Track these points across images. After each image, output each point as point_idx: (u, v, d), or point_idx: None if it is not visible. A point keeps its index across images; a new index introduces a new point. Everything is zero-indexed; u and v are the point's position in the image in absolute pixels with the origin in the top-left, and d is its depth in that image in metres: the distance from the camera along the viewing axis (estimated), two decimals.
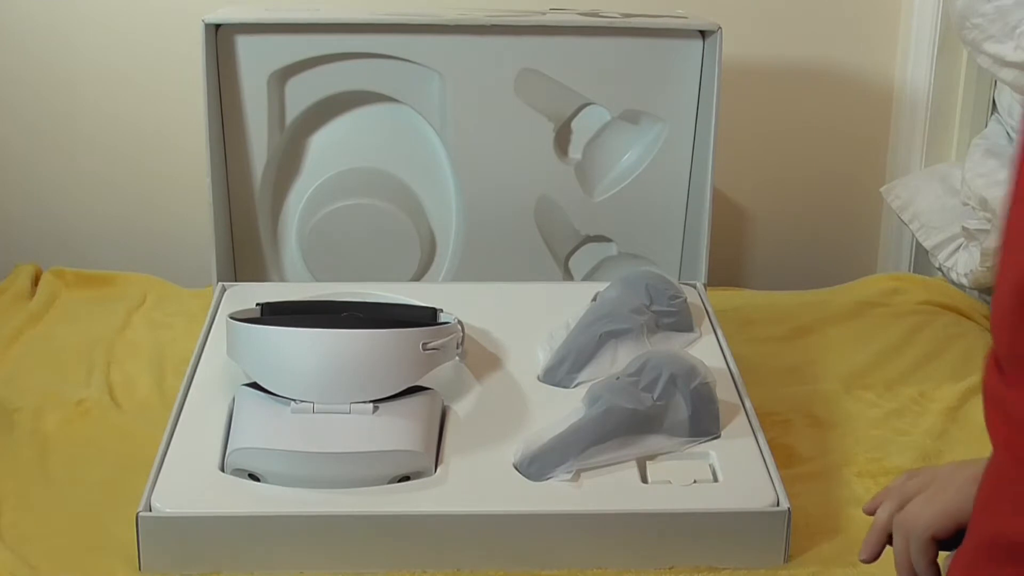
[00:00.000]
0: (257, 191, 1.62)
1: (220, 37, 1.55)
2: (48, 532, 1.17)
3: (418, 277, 1.67)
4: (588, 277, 1.70)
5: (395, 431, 1.16)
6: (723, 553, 1.12)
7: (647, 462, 1.18)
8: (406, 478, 1.14)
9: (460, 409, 1.26)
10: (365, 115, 1.63)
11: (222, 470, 1.15)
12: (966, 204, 1.67)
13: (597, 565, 1.12)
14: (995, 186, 1.60)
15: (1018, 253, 0.70)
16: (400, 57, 1.58)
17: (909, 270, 1.91)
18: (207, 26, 1.51)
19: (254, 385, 1.22)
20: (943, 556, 0.90)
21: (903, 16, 1.87)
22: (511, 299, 1.48)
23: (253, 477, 1.14)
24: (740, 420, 1.25)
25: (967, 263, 1.66)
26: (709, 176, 1.58)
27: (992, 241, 1.59)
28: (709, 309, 1.47)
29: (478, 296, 1.47)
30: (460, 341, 1.30)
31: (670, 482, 1.15)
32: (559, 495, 1.13)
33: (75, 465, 1.28)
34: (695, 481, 1.15)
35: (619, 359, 1.31)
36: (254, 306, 1.38)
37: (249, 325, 1.24)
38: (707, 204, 1.59)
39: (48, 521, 1.18)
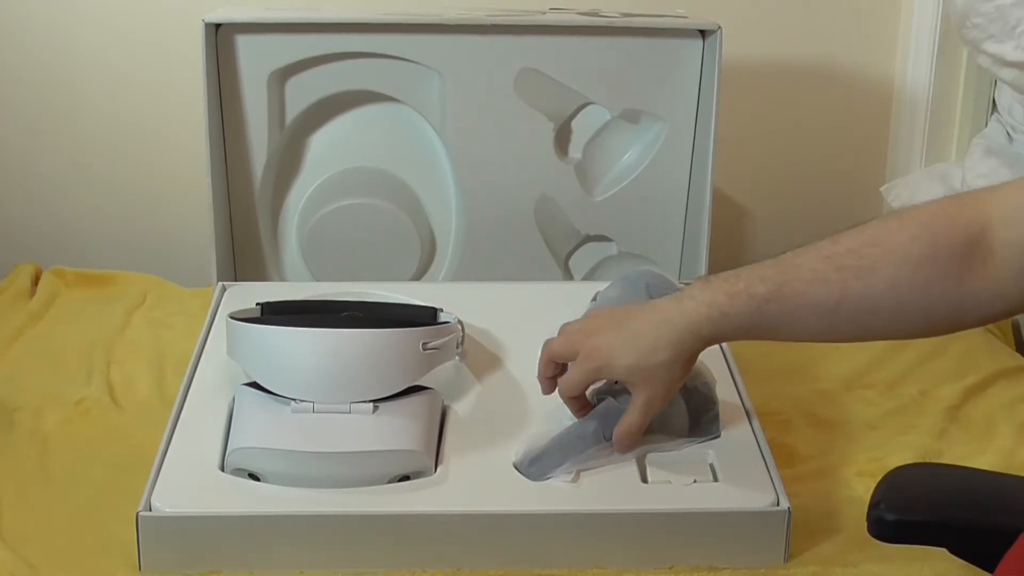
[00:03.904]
0: (257, 191, 1.62)
1: (220, 37, 1.55)
2: (48, 532, 1.16)
3: (418, 277, 1.67)
4: (588, 277, 1.70)
5: (395, 431, 1.16)
6: (723, 553, 1.12)
7: (647, 462, 1.18)
8: (406, 478, 1.14)
9: (460, 409, 1.26)
10: (365, 115, 1.63)
11: (222, 470, 1.15)
12: None
13: (597, 565, 1.11)
14: None
15: None
16: (400, 57, 1.58)
17: None
18: (207, 26, 1.51)
19: (254, 385, 1.22)
20: None
21: (903, 16, 1.87)
22: (511, 299, 1.48)
23: (253, 477, 1.13)
24: (740, 420, 1.25)
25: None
26: (709, 176, 1.58)
27: None
28: None
29: (478, 296, 1.47)
30: (460, 341, 1.30)
31: (670, 482, 1.15)
32: (559, 495, 1.13)
33: (75, 465, 1.28)
34: (695, 481, 1.15)
35: None
36: (254, 306, 1.38)
37: (249, 325, 1.24)
38: (707, 204, 1.59)
39: (48, 521, 1.18)
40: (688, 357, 1.08)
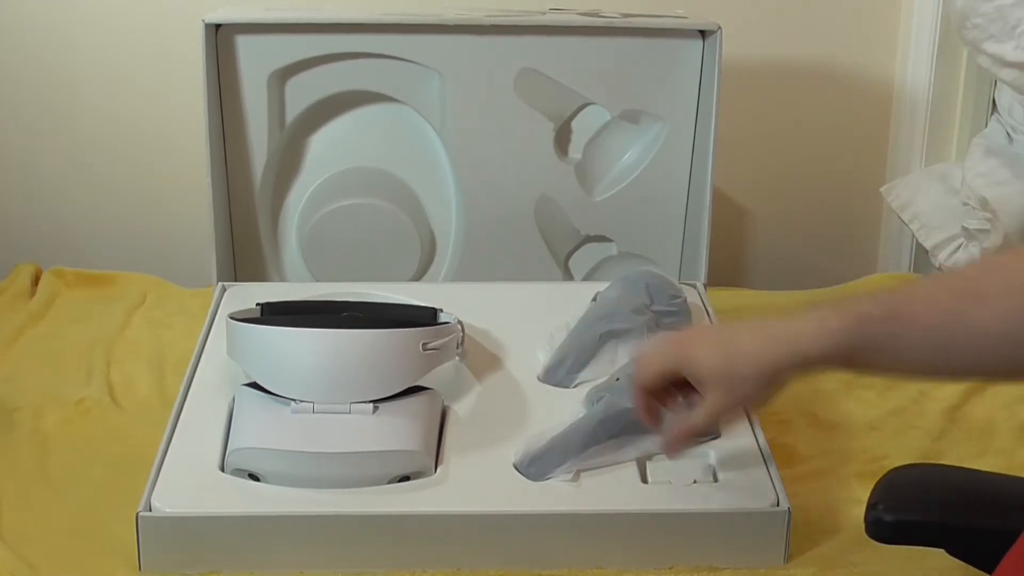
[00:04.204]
0: (257, 191, 1.62)
1: (220, 37, 1.55)
2: (48, 532, 1.16)
3: (418, 277, 1.67)
4: (588, 277, 1.70)
5: (395, 431, 1.16)
6: (723, 553, 1.12)
7: (647, 462, 1.18)
8: (406, 478, 1.14)
9: (460, 409, 1.26)
10: (365, 115, 1.63)
11: (222, 470, 1.15)
12: (966, 204, 1.67)
13: (597, 565, 1.12)
14: (995, 186, 1.60)
15: None
16: (400, 57, 1.58)
17: (909, 270, 1.91)
18: (207, 26, 1.51)
19: (254, 385, 1.22)
20: None
21: (903, 16, 1.87)
22: (511, 299, 1.48)
23: (253, 477, 1.13)
24: (740, 420, 1.24)
25: (967, 263, 1.66)
26: (709, 176, 1.58)
27: (992, 241, 1.59)
28: (709, 309, 1.47)
29: (478, 296, 1.47)
30: (460, 341, 1.30)
31: (670, 482, 1.15)
32: (559, 495, 1.13)
33: (75, 465, 1.28)
34: (695, 481, 1.15)
35: (619, 359, 1.31)
36: (254, 306, 1.38)
37: (249, 325, 1.24)
38: (707, 204, 1.59)
39: (48, 521, 1.18)
40: (775, 377, 1.01)
